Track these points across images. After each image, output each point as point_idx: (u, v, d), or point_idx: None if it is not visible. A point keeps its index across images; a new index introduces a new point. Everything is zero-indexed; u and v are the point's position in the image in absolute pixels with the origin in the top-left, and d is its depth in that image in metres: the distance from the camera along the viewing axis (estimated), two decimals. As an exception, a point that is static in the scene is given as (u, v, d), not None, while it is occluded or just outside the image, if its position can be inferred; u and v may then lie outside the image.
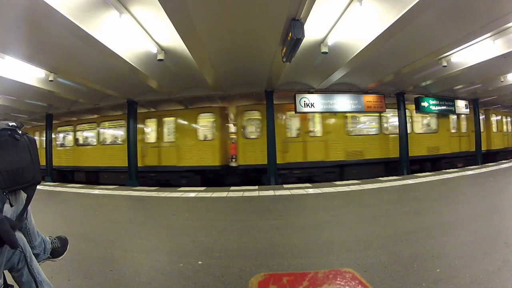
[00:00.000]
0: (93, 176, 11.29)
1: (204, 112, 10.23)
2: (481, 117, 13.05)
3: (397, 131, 10.38)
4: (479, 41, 6.11)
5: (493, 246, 2.73)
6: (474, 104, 12.42)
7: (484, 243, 2.83)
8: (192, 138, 10.01)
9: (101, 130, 11.58)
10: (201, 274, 2.43)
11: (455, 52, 6.78)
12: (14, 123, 1.35)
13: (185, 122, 10.13)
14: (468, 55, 6.79)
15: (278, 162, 9.02)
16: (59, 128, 12.62)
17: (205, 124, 10.29)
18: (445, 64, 7.27)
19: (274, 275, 0.74)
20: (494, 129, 13.90)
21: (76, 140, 12.22)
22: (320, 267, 2.54)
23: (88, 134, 12.20)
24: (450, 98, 11.38)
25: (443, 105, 11.12)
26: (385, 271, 2.33)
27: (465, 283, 2.08)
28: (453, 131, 11.93)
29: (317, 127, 10.15)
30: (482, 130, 12.80)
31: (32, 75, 6.89)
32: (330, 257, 2.76)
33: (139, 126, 10.32)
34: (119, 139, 11.28)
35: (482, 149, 12.51)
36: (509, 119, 15.23)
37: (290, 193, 6.24)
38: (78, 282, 2.32)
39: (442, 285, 2.07)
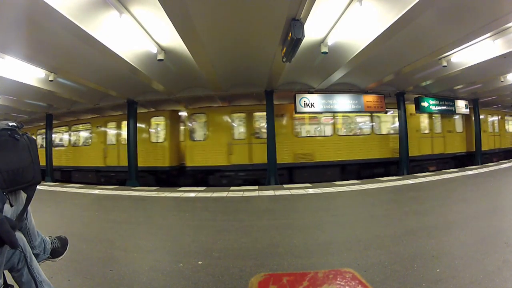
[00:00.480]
0: (66, 175, 12.12)
1: (156, 116, 10.68)
2: (456, 116, 12.14)
3: (352, 132, 10.36)
4: (479, 41, 6.11)
5: (493, 246, 2.74)
6: (474, 104, 12.41)
7: (484, 243, 2.84)
8: (145, 140, 10.41)
9: (72, 133, 12.52)
10: (201, 274, 2.43)
11: (455, 52, 6.78)
12: (14, 123, 1.35)
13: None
14: (468, 55, 6.79)
15: (223, 164, 9.40)
16: (39, 131, 13.33)
17: (156, 127, 10.69)
18: (445, 64, 7.27)
19: (274, 275, 0.73)
20: (473, 128, 12.85)
21: (52, 142, 12.55)
22: (320, 267, 2.54)
23: (62, 137, 12.98)
24: (450, 98, 11.37)
25: (443, 105, 11.11)
26: (385, 271, 2.33)
27: (465, 283, 2.08)
28: (425, 131, 11.24)
29: (263, 129, 9.93)
30: (461, 130, 12.26)
31: (32, 75, 6.89)
32: (330, 257, 2.77)
33: (103, 129, 11.20)
34: (88, 141, 12.01)
35: (462, 150, 11.96)
36: (495, 118, 14.15)
37: (290, 193, 6.24)
38: (78, 282, 2.32)
39: (442, 285, 2.07)
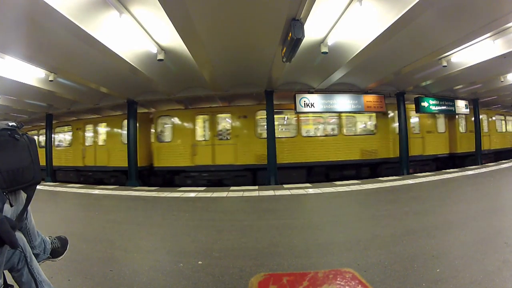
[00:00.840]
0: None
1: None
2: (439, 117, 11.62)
3: (318, 133, 10.16)
4: (479, 41, 6.11)
5: (493, 246, 2.74)
6: (474, 104, 12.41)
7: (484, 243, 2.84)
8: (118, 141, 10.82)
9: (56, 135, 12.82)
10: (201, 274, 2.43)
11: (455, 52, 6.78)
12: (14, 123, 1.35)
13: (113, 128, 11.07)
14: (468, 55, 6.79)
15: (187, 164, 9.59)
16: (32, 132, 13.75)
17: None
18: (445, 64, 7.27)
19: (274, 275, 0.73)
20: (462, 129, 12.39)
21: (52, 142, 12.87)
22: (320, 267, 2.54)
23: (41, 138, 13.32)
24: (450, 98, 11.36)
25: (443, 105, 11.10)
26: (385, 271, 2.33)
27: (465, 283, 2.08)
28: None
29: (227, 130, 10.17)
30: (443, 130, 11.67)
31: (32, 75, 6.90)
32: (330, 257, 2.77)
33: (82, 131, 11.80)
34: (65, 143, 12.43)
35: (443, 152, 11.32)
36: (483, 116, 13.31)
37: (290, 193, 6.24)
38: (78, 282, 2.32)
39: (442, 285, 2.07)
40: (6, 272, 1.34)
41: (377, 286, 2.07)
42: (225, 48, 5.97)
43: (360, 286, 0.68)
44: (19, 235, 1.34)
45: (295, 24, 4.38)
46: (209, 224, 4.12)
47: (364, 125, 10.80)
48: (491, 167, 9.53)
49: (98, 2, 4.19)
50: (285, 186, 7.52)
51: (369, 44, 5.41)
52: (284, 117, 10.36)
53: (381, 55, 6.37)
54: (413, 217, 4.03)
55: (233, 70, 7.52)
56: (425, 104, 10.67)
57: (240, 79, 8.52)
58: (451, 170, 9.49)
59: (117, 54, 5.43)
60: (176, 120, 10.24)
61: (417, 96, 10.62)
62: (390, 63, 7.28)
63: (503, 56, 6.61)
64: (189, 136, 10.00)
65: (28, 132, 12.93)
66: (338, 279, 0.71)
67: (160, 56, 5.90)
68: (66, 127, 12.58)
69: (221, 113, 10.17)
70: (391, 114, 10.55)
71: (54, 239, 1.70)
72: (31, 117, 12.82)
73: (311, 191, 6.39)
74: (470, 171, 8.68)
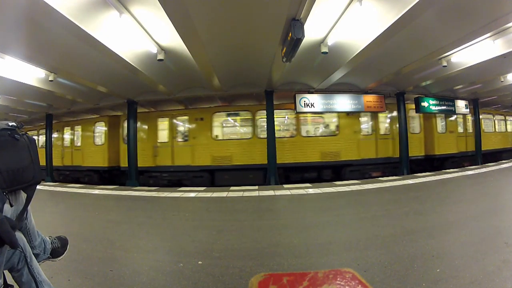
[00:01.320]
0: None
1: (98, 121, 11.65)
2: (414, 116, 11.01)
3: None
4: (479, 41, 6.11)
5: (493, 246, 2.73)
6: (474, 104, 12.41)
7: (484, 243, 2.83)
8: (90, 143, 11.55)
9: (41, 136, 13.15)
10: (201, 274, 2.43)
11: (455, 52, 6.78)
12: (14, 123, 1.35)
13: (87, 130, 11.76)
14: (468, 55, 6.79)
15: (149, 165, 9.93)
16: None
17: (98, 132, 11.68)
18: (445, 64, 7.28)
19: (274, 275, 0.73)
20: (441, 129, 11.66)
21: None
22: (320, 267, 2.54)
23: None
24: (450, 98, 11.37)
25: (443, 105, 11.10)
26: (385, 271, 2.33)
27: (465, 283, 2.08)
28: (365, 133, 10.35)
29: (184, 132, 10.39)
30: (418, 131, 11.06)
31: (32, 75, 6.90)
32: (330, 257, 2.77)
33: (58, 135, 12.48)
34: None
35: (418, 154, 10.66)
36: (468, 117, 12.57)
37: (290, 193, 6.24)
38: (78, 282, 2.32)
39: (442, 285, 2.07)
40: (6, 272, 1.34)
41: (377, 286, 2.07)
42: (225, 48, 5.97)
43: (360, 286, 0.68)
44: (19, 235, 1.34)
45: (295, 24, 4.38)
46: (209, 224, 4.12)
47: (325, 126, 10.50)
48: (491, 167, 9.52)
49: (98, 2, 4.19)
50: (285, 186, 7.51)
51: (369, 44, 5.41)
52: (241, 119, 10.47)
53: (381, 55, 6.37)
54: (413, 217, 4.03)
55: (233, 70, 7.52)
56: (425, 104, 10.67)
57: (240, 79, 8.52)
58: (451, 170, 9.48)
59: (117, 54, 5.43)
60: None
61: (417, 96, 10.62)
62: (390, 63, 7.29)
63: (503, 56, 6.61)
64: (151, 138, 10.44)
65: (28, 132, 13.22)
66: (338, 279, 0.71)
67: (160, 56, 5.90)
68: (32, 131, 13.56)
69: (180, 116, 10.47)
70: (353, 114, 10.10)
71: (54, 239, 1.70)
72: (31, 117, 12.82)
73: (311, 191, 6.39)
74: (470, 171, 8.68)
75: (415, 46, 6.16)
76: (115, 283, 2.29)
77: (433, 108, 10.86)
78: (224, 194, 6.32)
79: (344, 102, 9.58)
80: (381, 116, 10.52)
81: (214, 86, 8.34)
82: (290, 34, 4.55)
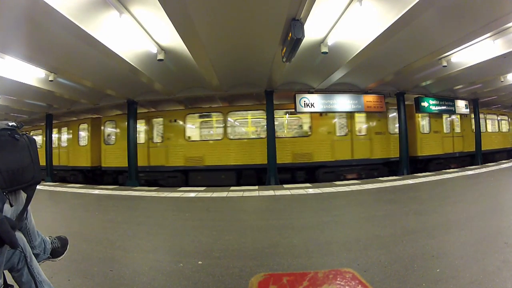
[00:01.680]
0: None
1: (82, 123, 12.11)
2: (392, 115, 10.60)
3: (244, 136, 10.04)
4: (479, 41, 6.11)
5: (493, 246, 2.73)
6: (474, 104, 12.41)
7: (484, 243, 2.84)
8: (75, 144, 12.08)
9: None
10: (201, 274, 2.43)
11: (455, 52, 6.78)
12: (14, 123, 1.35)
13: (71, 132, 12.24)
14: (468, 55, 6.79)
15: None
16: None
17: (82, 133, 12.18)
18: (445, 64, 7.27)
19: (274, 275, 0.74)
20: (424, 129, 11.17)
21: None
22: (320, 267, 2.54)
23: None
24: (450, 98, 11.37)
25: (443, 105, 11.10)
26: (385, 271, 2.33)
27: (465, 283, 2.08)
28: (341, 134, 10.00)
29: (159, 134, 10.54)
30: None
31: (32, 75, 6.89)
32: (330, 257, 2.77)
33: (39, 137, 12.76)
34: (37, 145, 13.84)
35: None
36: (454, 117, 11.96)
37: (290, 193, 6.24)
38: (78, 282, 2.32)
39: (442, 285, 2.07)
40: (6, 272, 1.34)
41: (377, 286, 2.07)
42: (225, 48, 5.97)
43: (360, 286, 0.68)
44: (19, 235, 1.34)
45: (295, 24, 4.38)
46: (209, 224, 4.12)
47: (297, 127, 10.33)
48: (491, 167, 9.52)
49: (98, 2, 4.18)
50: (285, 186, 7.52)
51: (369, 44, 5.41)
52: (213, 120, 10.54)
53: (381, 55, 6.37)
54: (413, 217, 4.03)
55: (233, 70, 7.52)
56: (425, 104, 10.67)
57: (240, 79, 8.52)
58: (451, 170, 9.49)
59: (117, 54, 5.43)
60: (119, 124, 11.00)
61: (417, 96, 10.62)
62: (390, 63, 7.28)
63: (503, 56, 6.61)
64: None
65: (30, 132, 13.29)
66: (338, 279, 0.71)
67: (160, 56, 5.89)
68: (38, 130, 13.82)
69: (155, 118, 10.67)
70: (325, 115, 9.86)
71: (54, 239, 1.70)
72: (31, 117, 12.82)
73: (311, 191, 6.39)
74: (470, 171, 8.69)
75: (415, 46, 6.16)
76: (115, 283, 2.29)
77: (433, 108, 10.86)
78: (224, 194, 6.32)
79: (344, 102, 9.57)
80: (358, 116, 10.13)
81: (214, 86, 8.34)
82: (290, 34, 4.55)
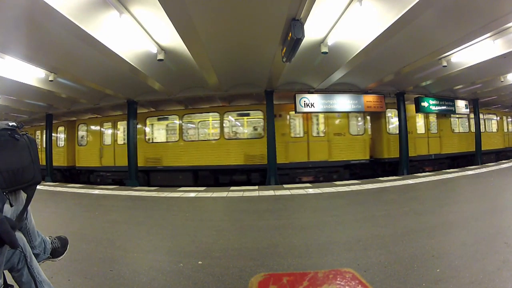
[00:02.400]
0: None
1: (60, 126, 12.94)
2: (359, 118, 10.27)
3: (201, 138, 10.25)
4: (479, 41, 6.11)
5: (493, 246, 2.73)
6: (474, 104, 12.41)
7: (484, 243, 2.84)
8: (54, 145, 12.60)
9: None
10: (201, 274, 2.43)
11: (455, 52, 6.78)
12: (14, 123, 1.35)
13: (53, 133, 12.70)
14: (468, 55, 6.79)
15: (97, 165, 11.06)
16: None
17: (59, 135, 13.04)
18: (445, 64, 7.28)
19: (274, 275, 0.74)
20: (393, 129, 10.69)
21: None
22: (320, 267, 2.54)
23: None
24: (450, 98, 11.37)
25: (443, 105, 11.11)
26: (385, 271, 2.33)
27: (465, 283, 2.08)
28: (296, 135, 9.82)
29: (124, 135, 10.90)
30: (361, 132, 10.29)
31: (32, 75, 6.89)
32: (330, 257, 2.77)
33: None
34: None
35: (361, 158, 9.76)
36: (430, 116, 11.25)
37: (290, 193, 6.24)
38: (78, 282, 2.32)
39: (442, 285, 2.07)
40: (6, 272, 1.34)
41: (377, 286, 2.07)
42: (225, 48, 5.97)
43: (360, 286, 0.68)
44: (19, 235, 1.34)
45: (295, 24, 4.38)
46: (209, 224, 4.12)
47: (251, 128, 10.35)
48: (491, 167, 9.52)
49: (98, 2, 4.18)
50: (285, 186, 7.52)
51: (369, 44, 5.41)
52: (169, 123, 10.84)
53: (381, 55, 6.37)
54: (413, 217, 4.03)
55: (233, 70, 7.52)
56: (425, 104, 10.68)
57: (240, 79, 8.52)
58: (451, 170, 9.49)
59: (117, 54, 5.43)
60: (89, 127, 11.83)
61: (417, 96, 10.62)
62: (390, 63, 7.28)
63: (503, 56, 6.61)
64: (97, 140, 11.54)
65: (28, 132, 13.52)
66: (338, 279, 0.71)
67: (160, 56, 5.89)
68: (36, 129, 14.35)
69: (120, 121, 11.14)
70: (282, 115, 9.72)
71: (54, 239, 1.69)
72: (31, 117, 12.84)
73: (311, 191, 6.39)
74: (470, 171, 8.69)
75: (415, 46, 6.16)
76: (115, 283, 2.29)
77: (433, 108, 10.86)
78: (224, 194, 6.32)
79: (344, 102, 9.57)
80: (314, 116, 9.91)
81: (214, 86, 8.34)
82: (290, 34, 4.55)
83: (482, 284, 2.03)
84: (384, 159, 10.47)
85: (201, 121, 10.49)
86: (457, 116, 12.15)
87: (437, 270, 2.29)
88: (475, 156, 12.18)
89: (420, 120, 11.30)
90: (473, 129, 12.58)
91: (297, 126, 10.12)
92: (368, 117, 10.80)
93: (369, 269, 2.39)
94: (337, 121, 9.99)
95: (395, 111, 10.44)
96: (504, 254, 2.53)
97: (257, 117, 10.11)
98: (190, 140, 10.40)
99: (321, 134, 9.95)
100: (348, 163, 9.79)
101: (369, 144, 10.39)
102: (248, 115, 10.30)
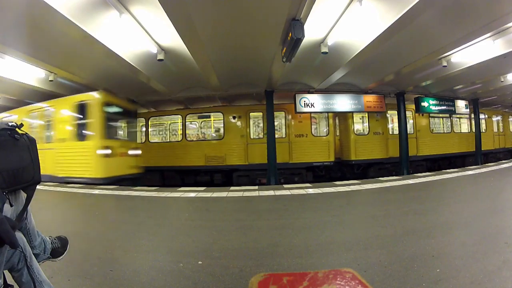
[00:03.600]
0: None
1: None
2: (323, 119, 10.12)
3: (166, 139, 10.44)
4: (479, 41, 6.12)
5: (493, 246, 2.73)
6: (474, 104, 12.41)
7: (484, 243, 2.83)
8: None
9: None
10: (201, 274, 2.42)
11: (455, 52, 6.79)
12: (14, 123, 1.35)
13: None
14: (468, 55, 6.79)
15: None
16: None
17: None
18: (445, 64, 7.28)
19: (274, 275, 0.74)
20: (361, 130, 10.47)
21: None
22: (320, 267, 2.54)
23: None
24: (450, 98, 11.38)
25: (443, 105, 11.11)
26: (385, 271, 2.33)
27: (465, 283, 2.07)
28: (255, 137, 9.76)
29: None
30: (324, 133, 10.18)
31: (32, 75, 6.90)
32: (330, 257, 2.76)
33: None
34: None
35: (326, 160, 9.58)
36: (409, 113, 10.85)
37: (290, 193, 6.24)
38: (78, 282, 2.31)
39: (442, 285, 2.06)
40: (6, 272, 1.34)
41: (377, 286, 2.07)
42: (225, 48, 5.97)
43: (360, 286, 0.68)
44: (19, 235, 1.34)
45: (295, 24, 4.38)
46: (209, 224, 4.12)
47: (218, 130, 10.41)
48: (491, 167, 9.52)
49: (98, 2, 4.19)
50: (285, 186, 7.51)
51: (369, 44, 5.41)
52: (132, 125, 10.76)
53: (381, 55, 6.38)
54: (413, 217, 4.02)
55: (233, 70, 7.52)
56: (425, 104, 10.69)
57: (240, 79, 8.53)
58: (451, 170, 9.47)
59: (117, 54, 5.43)
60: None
61: (417, 96, 10.63)
62: (390, 63, 7.29)
63: (503, 56, 6.62)
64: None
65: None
66: (338, 279, 0.71)
67: (160, 56, 5.90)
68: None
69: None
70: (241, 116, 9.77)
71: (54, 239, 1.69)
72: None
73: (311, 191, 6.38)
74: (470, 171, 8.68)
75: (415, 46, 6.16)
76: (115, 283, 2.29)
77: (433, 108, 10.87)
78: (224, 194, 6.31)
79: (344, 102, 9.59)
80: (277, 117, 9.73)
81: (214, 86, 8.35)
82: (290, 34, 4.56)
83: (482, 284, 2.03)
84: (351, 161, 10.13)
85: (172, 122, 10.68)
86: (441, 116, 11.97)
87: (437, 270, 2.28)
88: (475, 156, 12.19)
89: (392, 121, 11.08)
90: (455, 129, 12.64)
91: (257, 127, 10.07)
92: (337, 118, 10.71)
93: (369, 269, 2.39)
94: (298, 123, 9.83)
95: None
96: (504, 254, 2.53)
97: (217, 119, 10.11)
98: (155, 141, 10.59)
99: (282, 136, 9.79)
100: (310, 165, 9.65)
101: (334, 146, 10.11)
102: (209, 117, 10.40)
